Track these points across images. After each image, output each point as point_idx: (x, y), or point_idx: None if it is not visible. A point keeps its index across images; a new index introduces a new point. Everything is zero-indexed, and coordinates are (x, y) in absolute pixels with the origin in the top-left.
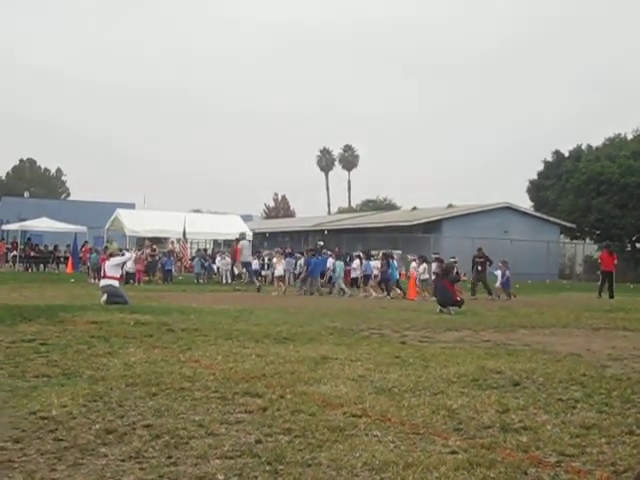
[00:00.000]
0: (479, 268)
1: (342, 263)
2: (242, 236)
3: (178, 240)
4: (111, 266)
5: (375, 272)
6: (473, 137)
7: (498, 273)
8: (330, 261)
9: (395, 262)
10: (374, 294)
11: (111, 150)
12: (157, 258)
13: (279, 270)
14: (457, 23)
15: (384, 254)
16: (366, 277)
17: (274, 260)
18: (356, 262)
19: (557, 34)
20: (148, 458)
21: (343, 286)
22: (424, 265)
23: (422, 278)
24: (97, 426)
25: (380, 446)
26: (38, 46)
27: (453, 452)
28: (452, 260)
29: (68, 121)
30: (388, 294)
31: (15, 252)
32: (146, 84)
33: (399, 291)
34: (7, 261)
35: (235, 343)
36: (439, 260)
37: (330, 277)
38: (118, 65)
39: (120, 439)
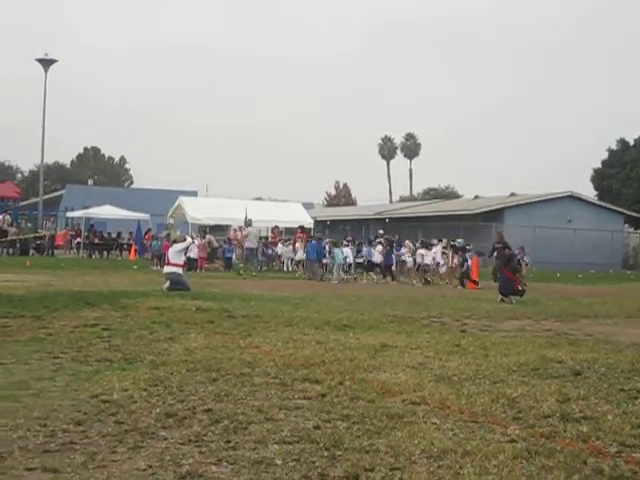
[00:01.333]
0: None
1: (340, 250)
2: (249, 223)
3: (239, 228)
4: (174, 253)
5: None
6: (537, 125)
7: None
8: (326, 247)
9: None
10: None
11: (174, 138)
12: (218, 245)
13: (299, 254)
14: (524, 11)
15: (386, 239)
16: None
17: (297, 245)
18: (378, 248)
19: (623, 23)
20: (207, 442)
21: (338, 273)
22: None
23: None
24: (157, 410)
25: (439, 434)
26: (108, 29)
27: (512, 441)
28: (467, 247)
29: (133, 108)
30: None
31: (79, 239)
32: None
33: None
34: (71, 248)
35: (295, 330)
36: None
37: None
38: (180, 57)
39: (180, 423)
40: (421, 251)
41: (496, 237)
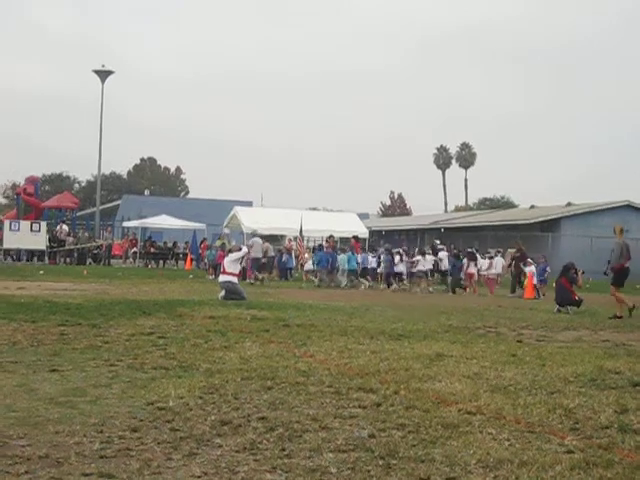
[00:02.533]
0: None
1: (345, 256)
2: (254, 233)
3: (295, 238)
4: (230, 262)
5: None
6: (591, 134)
7: (529, 269)
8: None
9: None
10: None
11: (228, 149)
12: (272, 255)
13: (308, 265)
14: (570, 18)
15: (387, 249)
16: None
17: (306, 255)
18: (397, 258)
19: None
20: (262, 450)
21: (341, 279)
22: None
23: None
24: (213, 417)
25: (495, 444)
26: (151, 50)
27: (569, 451)
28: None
29: (184, 120)
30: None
31: (135, 248)
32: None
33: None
34: (128, 257)
35: (350, 339)
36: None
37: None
38: (231, 64)
39: (235, 430)
40: (417, 257)
41: (514, 246)
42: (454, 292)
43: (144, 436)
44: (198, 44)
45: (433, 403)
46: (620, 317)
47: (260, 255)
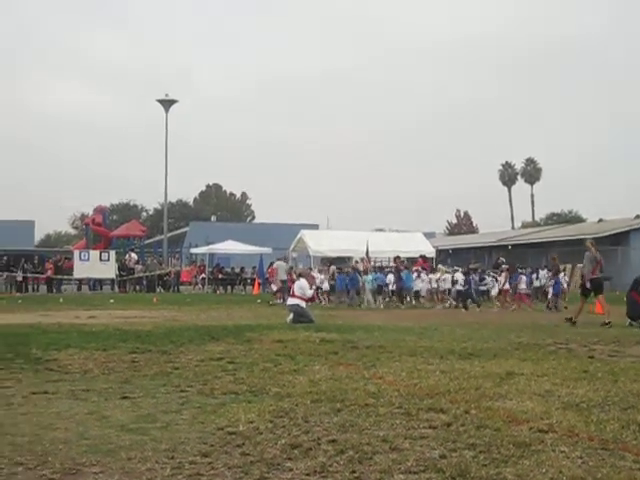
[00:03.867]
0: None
1: (370, 276)
2: (280, 258)
3: (361, 259)
4: (299, 286)
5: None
6: None
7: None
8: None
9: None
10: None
11: (293, 173)
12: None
13: (325, 285)
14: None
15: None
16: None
17: (322, 276)
18: (389, 277)
19: None
20: (333, 472)
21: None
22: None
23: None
24: (283, 441)
25: (567, 462)
26: (211, 74)
27: None
28: (474, 266)
29: (248, 143)
30: (402, 303)
31: (203, 275)
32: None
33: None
34: (196, 283)
35: (419, 359)
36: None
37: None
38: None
39: (305, 454)
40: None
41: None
42: (466, 308)
43: (215, 461)
44: (259, 66)
45: (504, 422)
46: (608, 323)
47: (285, 278)
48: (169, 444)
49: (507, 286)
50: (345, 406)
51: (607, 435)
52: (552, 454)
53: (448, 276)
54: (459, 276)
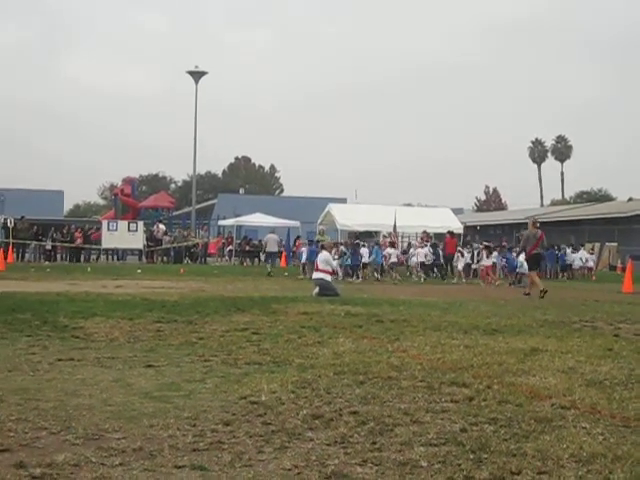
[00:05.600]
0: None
1: (366, 250)
2: (270, 231)
3: (389, 234)
4: (323, 260)
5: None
6: None
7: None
8: (365, 250)
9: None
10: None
11: (322, 146)
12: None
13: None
14: None
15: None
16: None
17: (303, 249)
18: (363, 250)
19: None
20: (353, 443)
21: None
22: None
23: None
24: (304, 411)
25: (588, 438)
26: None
27: None
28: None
29: (280, 117)
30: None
31: (231, 247)
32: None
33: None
34: (223, 255)
35: (443, 334)
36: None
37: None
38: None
39: (326, 424)
40: (389, 250)
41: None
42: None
43: (236, 430)
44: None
45: (526, 397)
46: (528, 294)
47: (275, 249)
48: (191, 412)
49: (489, 262)
50: (368, 379)
51: (629, 413)
52: (573, 430)
53: (421, 250)
54: (426, 250)
